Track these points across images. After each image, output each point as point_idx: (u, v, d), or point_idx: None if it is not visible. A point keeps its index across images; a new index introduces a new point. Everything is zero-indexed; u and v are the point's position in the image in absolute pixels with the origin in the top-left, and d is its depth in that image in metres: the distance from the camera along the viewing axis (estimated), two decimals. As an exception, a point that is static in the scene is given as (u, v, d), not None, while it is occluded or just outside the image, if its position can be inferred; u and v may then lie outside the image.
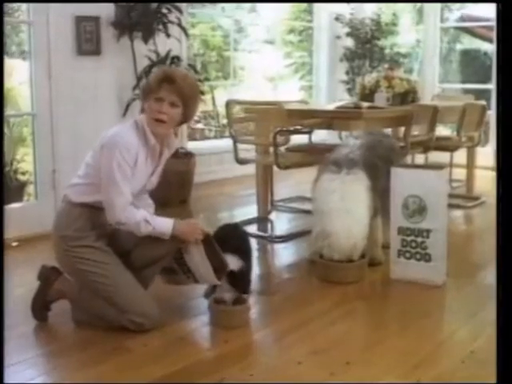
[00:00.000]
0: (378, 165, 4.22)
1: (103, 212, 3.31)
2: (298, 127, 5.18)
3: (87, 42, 5.50)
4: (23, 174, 6.07)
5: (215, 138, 9.06)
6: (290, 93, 9.60)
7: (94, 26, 5.53)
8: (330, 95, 9.31)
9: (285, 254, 4.92)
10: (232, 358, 3.05)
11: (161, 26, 5.94)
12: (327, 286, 3.99)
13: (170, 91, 3.26)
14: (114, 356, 3.06)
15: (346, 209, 3.96)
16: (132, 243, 3.43)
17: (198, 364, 3.01)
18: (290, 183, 6.84)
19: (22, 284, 3.88)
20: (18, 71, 5.98)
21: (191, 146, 7.29)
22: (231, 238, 3.60)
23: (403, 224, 3.97)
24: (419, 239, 3.92)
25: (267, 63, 9.46)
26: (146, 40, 5.83)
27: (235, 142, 5.37)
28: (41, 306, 3.50)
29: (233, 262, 3.44)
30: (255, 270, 4.14)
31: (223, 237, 3.56)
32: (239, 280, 3.46)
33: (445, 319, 3.65)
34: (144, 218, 3.24)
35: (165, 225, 3.29)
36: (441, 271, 3.94)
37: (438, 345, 3.18)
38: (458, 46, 11.09)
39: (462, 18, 10.02)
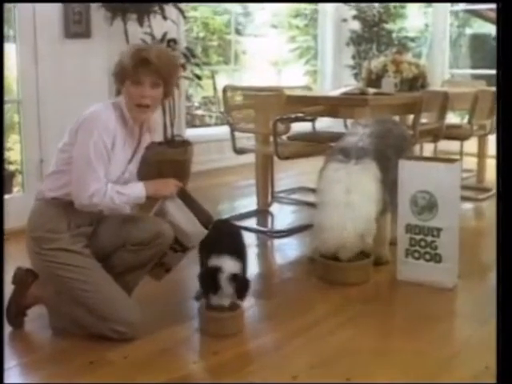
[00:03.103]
0: (388, 155, 3.93)
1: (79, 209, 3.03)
2: (300, 115, 4.90)
3: (76, 23, 5.18)
4: (11, 163, 5.78)
5: (216, 124, 8.77)
6: (295, 78, 9.35)
7: (83, 6, 5.21)
8: (335, 80, 9.04)
9: (285, 251, 4.62)
10: (220, 372, 2.79)
11: (157, 8, 5.64)
12: (329, 287, 3.70)
13: (148, 73, 2.99)
14: (91, 370, 2.80)
15: (348, 202, 3.67)
16: (114, 245, 3.15)
17: (183, 379, 2.74)
18: (293, 173, 6.55)
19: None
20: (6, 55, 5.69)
21: (190, 133, 7.07)
22: (226, 238, 3.30)
23: (412, 221, 3.67)
24: (429, 238, 3.63)
25: (271, 48, 9.19)
26: (141, 22, 5.52)
27: (233, 131, 5.08)
28: (16, 312, 3.23)
29: (232, 265, 3.13)
30: (253, 269, 3.89)
31: (216, 236, 3.27)
32: (241, 283, 3.15)
33: (456, 327, 3.36)
34: (115, 190, 2.98)
35: (136, 188, 3.08)
36: (452, 273, 3.65)
37: (449, 357, 2.90)
38: (468, 31, 10.76)
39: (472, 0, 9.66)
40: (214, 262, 3.12)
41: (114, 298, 3.03)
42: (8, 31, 5.34)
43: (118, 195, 2.99)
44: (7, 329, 3.18)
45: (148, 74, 2.99)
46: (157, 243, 3.11)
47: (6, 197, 5.09)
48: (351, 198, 3.67)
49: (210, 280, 3.10)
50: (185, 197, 3.22)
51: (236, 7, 8.64)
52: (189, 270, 3.55)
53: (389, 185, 3.81)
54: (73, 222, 3.06)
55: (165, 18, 5.66)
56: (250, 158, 5.48)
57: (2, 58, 4.48)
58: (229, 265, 3.10)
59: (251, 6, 9.06)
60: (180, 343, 3.05)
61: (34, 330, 3.22)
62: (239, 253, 3.21)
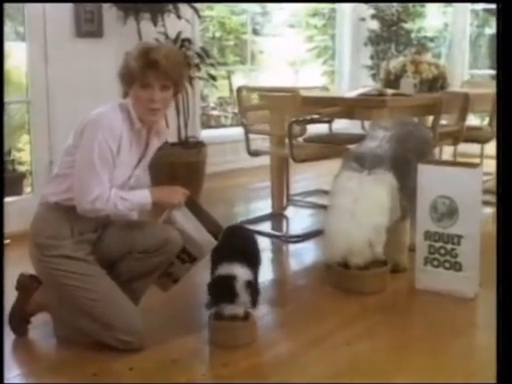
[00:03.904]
0: (409, 160, 3.79)
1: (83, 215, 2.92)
2: (316, 116, 4.78)
3: (87, 22, 5.09)
4: (21, 164, 5.70)
5: (231, 125, 8.65)
6: (312, 78, 9.21)
7: (95, 5, 5.11)
8: (353, 81, 8.89)
9: (300, 257, 4.49)
10: (229, 384, 2.66)
11: (171, 7, 5.53)
12: (344, 295, 3.56)
13: (157, 76, 2.86)
14: (95, 381, 2.68)
15: (355, 210, 3.54)
16: (120, 252, 3.03)
17: (190, 392, 2.62)
18: (309, 175, 6.41)
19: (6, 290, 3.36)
20: (15, 54, 5.61)
21: (205, 134, 6.97)
22: (239, 244, 3.18)
23: (431, 228, 3.53)
24: (449, 246, 3.49)
25: (288, 47, 9.07)
26: (154, 21, 5.41)
27: (247, 132, 4.96)
28: (19, 319, 3.13)
29: (247, 273, 3.00)
30: (267, 275, 3.79)
31: (228, 241, 3.15)
32: (256, 292, 3.02)
33: (477, 338, 3.21)
34: (118, 196, 2.86)
35: (142, 195, 2.94)
36: (473, 282, 3.50)
37: (470, 372, 2.75)
38: (488, 30, 10.59)
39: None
40: (226, 269, 2.99)
41: (120, 307, 2.92)
42: (17, 29, 5.26)
43: (122, 201, 2.87)
44: (10, 336, 3.09)
45: (157, 77, 2.86)
46: (164, 251, 3.00)
47: (16, 198, 5.03)
48: (358, 207, 3.54)
49: (224, 288, 2.97)
50: (193, 206, 3.10)
51: (254, 7, 8.52)
52: (200, 276, 3.42)
53: (408, 190, 3.68)
54: (76, 228, 2.94)
55: (179, 17, 5.55)
56: (265, 160, 5.34)
57: (2, 58, 4.41)
58: (242, 272, 2.97)
59: (269, 5, 8.95)
60: (188, 354, 2.92)
61: (38, 338, 3.13)
62: (252, 259, 3.10)
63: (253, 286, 2.99)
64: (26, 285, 3.14)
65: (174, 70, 2.89)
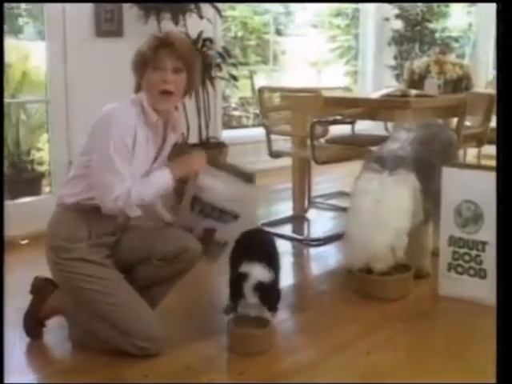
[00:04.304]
0: (432, 162, 3.70)
1: (101, 217, 2.86)
2: (338, 117, 4.69)
3: (107, 22, 5.04)
4: (40, 164, 5.66)
5: (253, 126, 8.59)
6: (335, 79, 9.12)
7: (115, 4, 5.06)
8: (376, 81, 8.80)
9: (321, 261, 4.39)
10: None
11: (193, 7, 5.47)
12: (366, 302, 3.47)
13: (169, 56, 2.79)
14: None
15: (377, 214, 3.45)
16: (138, 258, 2.98)
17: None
18: (331, 177, 6.31)
19: (22, 291, 3.25)
20: (35, 53, 5.58)
21: (226, 134, 6.89)
22: (256, 246, 3.09)
23: (455, 233, 3.44)
24: (473, 252, 3.40)
25: (311, 48, 8.98)
26: (176, 21, 5.35)
27: (268, 133, 4.89)
28: (34, 323, 3.08)
29: (262, 272, 2.91)
30: (287, 280, 3.70)
31: (246, 242, 3.08)
32: (270, 294, 2.92)
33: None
34: (139, 186, 2.77)
35: (162, 176, 2.86)
36: (498, 289, 3.40)
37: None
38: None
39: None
40: (244, 268, 2.92)
41: (137, 312, 2.85)
42: (41, 28, 5.23)
43: (144, 188, 2.79)
44: (25, 340, 3.05)
45: (169, 56, 2.79)
46: (183, 258, 2.94)
47: (34, 198, 5.01)
48: (380, 210, 3.45)
49: (235, 286, 2.92)
50: (216, 163, 3.02)
51: (277, 7, 8.45)
52: (219, 280, 3.36)
53: (432, 194, 3.59)
54: (94, 230, 2.89)
55: (201, 17, 5.50)
56: (287, 161, 5.27)
57: (3, 58, 4.39)
58: (257, 272, 2.89)
59: (293, 5, 8.88)
60: (204, 361, 2.85)
61: (53, 342, 3.08)
62: (270, 261, 3.00)
63: (265, 288, 2.89)
64: (41, 288, 3.09)
65: (186, 51, 2.84)
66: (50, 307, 3.05)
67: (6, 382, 2.39)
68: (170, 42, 2.79)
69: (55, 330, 3.10)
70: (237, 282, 2.90)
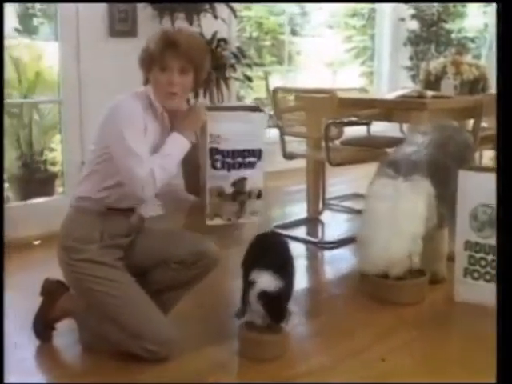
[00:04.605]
0: (448, 165, 3.64)
1: (115, 217, 2.83)
2: (353, 118, 4.64)
3: (121, 22, 5.00)
4: (53, 164, 5.63)
5: (268, 126, 8.54)
6: (350, 79, 9.05)
7: (130, 4, 5.02)
8: (392, 82, 8.71)
9: (335, 264, 4.33)
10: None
11: (208, 7, 5.43)
12: (380, 307, 3.42)
13: (176, 57, 2.73)
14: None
15: (392, 220, 3.40)
16: (153, 261, 2.94)
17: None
18: (346, 178, 6.25)
19: (33, 292, 3.19)
20: (49, 54, 5.55)
21: (240, 135, 6.81)
22: (267, 252, 3.02)
23: (471, 238, 3.38)
24: (490, 257, 3.32)
25: (326, 48, 8.92)
26: (190, 21, 5.31)
27: (282, 135, 4.84)
28: (43, 325, 3.06)
29: (267, 281, 2.83)
30: (301, 283, 3.63)
31: (259, 250, 3.03)
32: (274, 305, 2.83)
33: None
34: (158, 164, 2.66)
35: (175, 140, 2.76)
36: (515, 295, 3.34)
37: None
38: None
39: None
40: (252, 275, 2.87)
41: (148, 315, 2.81)
42: (51, 28, 5.21)
43: (165, 161, 2.69)
44: (35, 342, 3.02)
45: (176, 59, 2.73)
46: (201, 264, 2.91)
47: (47, 199, 4.99)
48: (396, 217, 3.40)
49: (243, 292, 2.88)
50: (216, 108, 2.97)
51: (293, 7, 8.40)
52: (231, 284, 3.32)
53: (448, 197, 3.53)
54: (106, 231, 2.85)
55: (215, 17, 5.45)
56: (301, 162, 5.21)
57: (2, 58, 4.35)
58: (263, 280, 2.82)
59: (308, 6, 8.83)
60: (216, 366, 2.81)
61: (63, 345, 3.04)
62: (281, 269, 2.91)
63: (269, 298, 2.80)
64: (52, 290, 3.06)
65: (194, 52, 2.77)
66: (60, 310, 3.02)
67: (5, 382, 2.38)
68: (176, 42, 2.73)
69: (65, 333, 3.06)
70: (245, 288, 2.86)
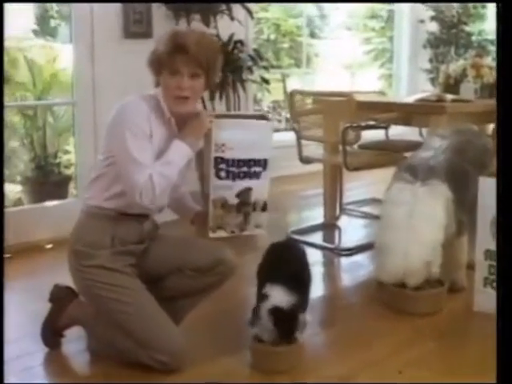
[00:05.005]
0: (467, 170, 3.55)
1: (127, 222, 2.77)
2: (371, 122, 4.55)
3: (136, 23, 4.94)
4: (67, 167, 5.59)
5: (285, 130, 8.47)
6: (369, 82, 8.99)
7: (145, 5, 4.96)
8: (411, 85, 8.61)
9: (352, 271, 4.22)
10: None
11: (224, 8, 5.37)
12: (397, 317, 3.32)
13: (186, 62, 2.65)
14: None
15: (411, 226, 3.30)
16: (168, 268, 2.87)
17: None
18: (364, 183, 6.16)
19: (44, 297, 3.11)
20: (65, 55, 5.52)
21: (257, 138, 6.73)
22: (283, 264, 2.93)
23: (492, 247, 3.26)
24: (511, 266, 3.23)
25: (344, 50, 8.85)
26: (207, 23, 5.24)
27: (299, 138, 4.76)
28: (52, 332, 3.00)
29: (280, 296, 2.75)
30: (316, 291, 3.55)
31: (273, 261, 2.95)
32: (285, 322, 2.73)
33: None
34: (158, 171, 2.59)
35: (177, 147, 2.68)
36: (537, 306, 3.24)
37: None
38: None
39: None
40: (266, 289, 2.78)
41: (158, 324, 2.73)
42: (64, 29, 5.17)
43: (165, 168, 2.63)
44: (43, 349, 2.97)
45: (186, 63, 2.65)
46: (218, 271, 2.84)
47: (60, 202, 4.95)
48: (414, 223, 3.31)
49: (254, 309, 2.79)
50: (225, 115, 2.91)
51: (311, 10, 8.32)
52: (244, 292, 3.24)
53: (467, 204, 3.44)
54: (118, 237, 2.77)
55: (232, 18, 5.38)
56: (318, 166, 5.11)
57: (2, 58, 4.30)
58: (277, 296, 2.73)
59: (327, 8, 8.76)
60: (227, 378, 2.72)
61: (71, 352, 2.99)
62: (296, 282, 2.83)
63: (282, 315, 2.71)
64: (61, 297, 3.00)
65: (204, 56, 2.68)
66: (69, 317, 2.96)
67: (5, 381, 2.35)
68: (186, 46, 2.64)
69: (74, 340, 3.01)
70: (258, 299, 2.79)
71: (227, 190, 2.77)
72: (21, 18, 5.55)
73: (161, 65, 2.68)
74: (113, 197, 2.73)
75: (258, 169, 2.79)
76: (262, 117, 2.89)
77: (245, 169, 2.77)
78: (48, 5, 5.95)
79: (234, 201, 2.79)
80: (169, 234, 2.99)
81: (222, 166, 2.73)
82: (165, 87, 2.70)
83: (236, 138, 2.73)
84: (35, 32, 5.93)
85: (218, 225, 2.80)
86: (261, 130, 2.80)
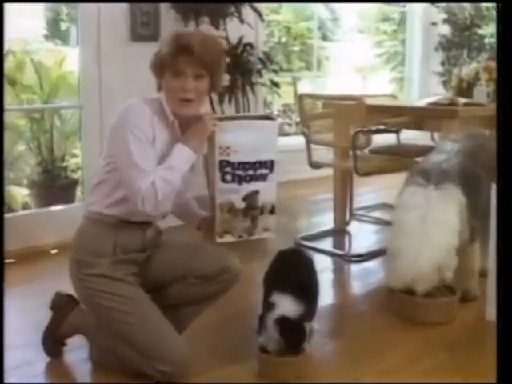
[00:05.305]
0: (479, 175, 3.47)
1: (129, 230, 2.70)
2: (382, 127, 4.47)
3: (143, 25, 4.88)
4: (74, 171, 5.54)
5: (296, 134, 8.40)
6: (380, 85, 8.91)
7: (152, 7, 4.89)
8: (423, 88, 8.52)
9: (362, 278, 4.14)
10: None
11: (234, 10, 5.30)
12: (407, 326, 3.24)
13: (190, 62, 2.57)
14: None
15: (424, 231, 3.21)
16: (172, 276, 2.79)
17: None
18: (374, 187, 6.07)
19: (47, 304, 3.04)
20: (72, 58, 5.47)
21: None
22: (290, 273, 2.85)
23: (505, 254, 3.19)
24: (526, 275, 3.14)
25: (356, 53, 8.78)
26: (216, 25, 5.18)
27: (308, 143, 4.69)
28: (53, 341, 2.93)
29: (288, 305, 2.68)
30: (326, 300, 3.49)
31: (280, 269, 2.87)
32: (292, 331, 2.66)
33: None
34: (160, 176, 2.52)
35: (180, 152, 2.60)
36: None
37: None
38: None
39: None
40: (272, 298, 2.71)
41: (160, 333, 2.65)
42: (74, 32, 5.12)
43: (167, 173, 2.55)
44: (45, 358, 2.91)
45: (190, 64, 2.57)
46: (223, 279, 2.76)
47: (66, 206, 4.91)
48: (427, 227, 3.22)
49: (260, 318, 2.72)
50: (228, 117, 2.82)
51: (323, 12, 8.26)
52: (252, 299, 3.16)
53: (479, 209, 3.36)
54: (119, 245, 2.70)
55: (242, 21, 5.32)
56: (328, 171, 5.02)
57: (2, 58, 4.27)
58: (284, 305, 2.66)
59: (339, 11, 8.70)
60: (232, 388, 2.66)
61: (73, 361, 2.92)
62: (304, 291, 2.75)
63: (289, 324, 2.64)
64: (62, 305, 2.94)
65: (209, 56, 2.61)
66: (71, 326, 2.89)
67: (5, 381, 2.31)
68: (190, 46, 2.56)
69: (76, 349, 2.94)
70: (264, 308, 2.71)
71: (233, 193, 2.70)
72: (30, 20, 5.52)
73: (164, 66, 2.61)
74: (114, 203, 2.66)
75: (264, 171, 2.72)
76: (267, 117, 2.83)
77: (251, 171, 2.70)
78: (59, 8, 5.91)
79: (241, 204, 2.72)
80: (173, 241, 2.92)
81: (228, 169, 2.67)
82: (168, 89, 2.63)
83: (241, 140, 2.66)
84: (46, 36, 5.90)
85: (225, 229, 2.73)
86: (266, 131, 2.73)
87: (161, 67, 2.62)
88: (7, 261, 4.04)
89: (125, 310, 2.64)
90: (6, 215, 4.53)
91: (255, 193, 2.73)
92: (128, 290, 2.68)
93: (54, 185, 5.31)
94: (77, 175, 5.52)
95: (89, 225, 2.74)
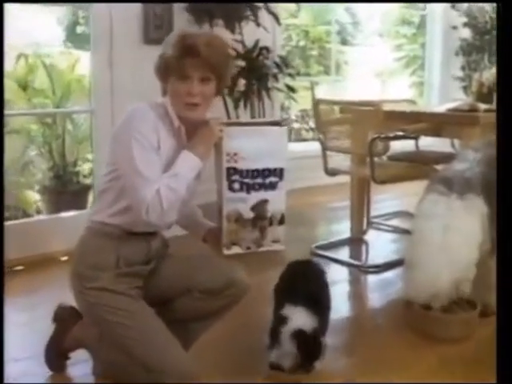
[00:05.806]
0: None
1: (133, 241, 2.59)
2: (400, 133, 4.35)
3: (156, 28, 4.79)
4: (86, 176, 5.46)
5: (313, 139, 8.31)
6: (399, 90, 8.78)
7: (165, 10, 4.80)
8: (442, 93, 8.39)
9: (379, 290, 4.01)
10: None
11: (249, 13, 5.19)
12: (424, 342, 3.11)
13: (196, 66, 2.45)
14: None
15: (445, 243, 3.09)
16: (176, 290, 2.68)
17: None
18: (393, 195, 5.95)
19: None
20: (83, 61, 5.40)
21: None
22: (302, 285, 2.76)
23: (528, 267, 3.06)
24: (547, 289, 3.01)
25: (375, 57, 8.67)
26: (232, 28, 5.08)
27: (324, 149, 4.57)
28: (56, 354, 2.84)
29: (303, 318, 2.59)
30: (341, 312, 3.38)
31: (291, 280, 2.76)
32: (310, 345, 2.57)
33: None
34: (165, 184, 2.40)
35: (185, 159, 2.48)
36: None
37: None
38: None
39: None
40: (285, 311, 2.61)
41: (164, 348, 2.54)
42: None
43: (172, 180, 2.43)
44: (47, 372, 2.82)
45: (196, 67, 2.46)
46: (230, 293, 2.64)
47: (77, 213, 4.84)
48: (449, 239, 3.10)
49: (273, 330, 2.61)
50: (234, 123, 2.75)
51: (342, 16, 8.16)
52: (262, 313, 3.05)
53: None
54: (122, 258, 2.59)
55: (258, 24, 5.21)
56: (345, 177, 4.91)
57: (2, 58, 4.18)
58: (299, 318, 2.57)
59: (359, 14, 8.61)
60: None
61: (76, 376, 2.83)
62: (317, 304, 2.66)
63: (305, 338, 2.56)
64: (64, 318, 2.85)
65: (216, 58, 2.49)
66: (74, 339, 2.80)
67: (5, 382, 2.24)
68: (196, 48, 2.45)
69: (79, 363, 2.85)
70: (275, 324, 2.60)
71: (241, 202, 2.59)
72: (44, 23, 5.48)
73: (169, 70, 2.49)
74: (117, 213, 2.55)
75: (273, 179, 2.61)
76: (276, 123, 2.71)
77: (260, 179, 2.60)
78: (77, 11, 5.85)
79: (250, 214, 2.61)
80: (178, 253, 2.81)
81: (235, 177, 2.56)
82: (173, 94, 2.52)
83: (249, 147, 2.56)
84: (64, 41, 5.85)
85: (233, 241, 2.62)
86: (275, 137, 2.62)
87: (165, 71, 2.51)
88: (16, 268, 3.98)
89: (127, 324, 2.53)
90: (16, 221, 4.45)
91: (264, 202, 2.62)
92: (131, 305, 2.57)
93: (66, 190, 5.23)
94: (89, 180, 5.44)
95: (91, 236, 2.64)
